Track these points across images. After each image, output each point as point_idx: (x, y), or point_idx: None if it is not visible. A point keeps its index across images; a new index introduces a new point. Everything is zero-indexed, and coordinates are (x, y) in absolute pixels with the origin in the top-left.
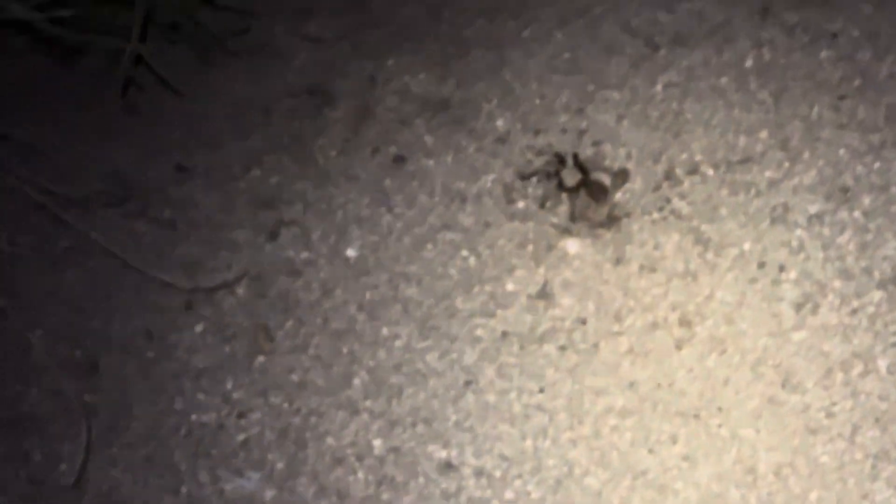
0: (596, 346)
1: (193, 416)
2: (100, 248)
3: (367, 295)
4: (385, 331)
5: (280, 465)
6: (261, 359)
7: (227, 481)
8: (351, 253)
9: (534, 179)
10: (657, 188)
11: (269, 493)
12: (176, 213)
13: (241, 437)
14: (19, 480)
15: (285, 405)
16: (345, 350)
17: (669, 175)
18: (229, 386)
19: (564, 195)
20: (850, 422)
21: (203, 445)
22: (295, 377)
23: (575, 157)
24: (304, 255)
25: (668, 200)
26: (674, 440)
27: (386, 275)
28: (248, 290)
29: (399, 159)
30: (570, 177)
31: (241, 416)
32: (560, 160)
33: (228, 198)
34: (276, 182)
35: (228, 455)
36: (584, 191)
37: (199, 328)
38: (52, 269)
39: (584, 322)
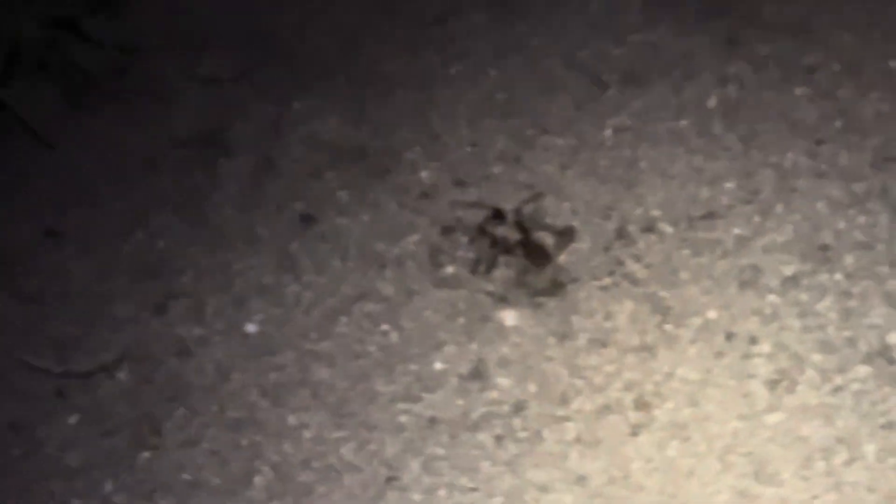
0: (539, 433)
1: None
2: None
3: (271, 377)
4: (292, 419)
5: None
6: (146, 455)
7: None
8: (251, 328)
9: (464, 240)
10: (607, 249)
11: None
12: (45, 285)
13: None
14: None
15: None
16: (244, 443)
17: (622, 233)
18: (109, 487)
19: (500, 258)
20: None
21: None
22: (186, 476)
23: (515, 212)
24: (197, 331)
25: (621, 263)
26: None
27: (293, 353)
28: (130, 373)
29: (307, 218)
30: (508, 235)
31: None
32: (496, 216)
33: (107, 266)
34: (164, 246)
35: None
36: (524, 252)
37: (72, 419)
38: None
39: (524, 406)
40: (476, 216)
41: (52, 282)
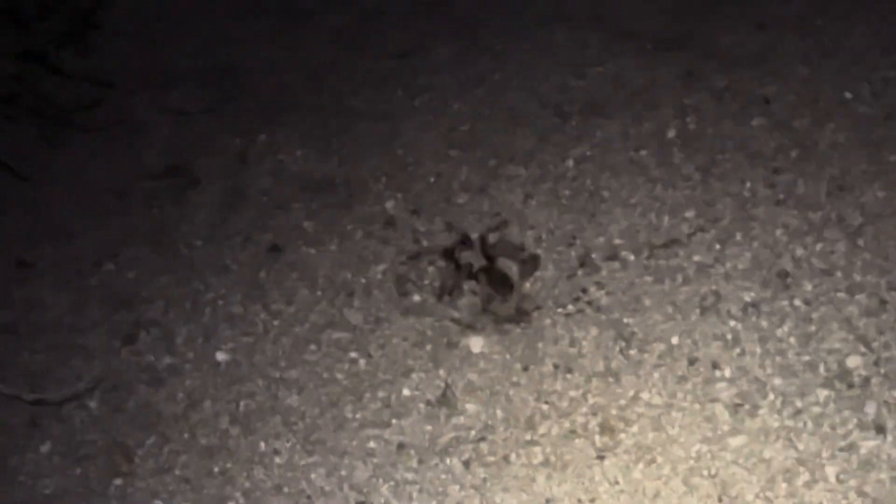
0: (506, 458)
1: None
2: None
3: (242, 405)
4: (263, 446)
5: None
6: (118, 482)
7: None
8: (221, 357)
9: (430, 268)
10: (571, 276)
11: None
12: (18, 316)
13: None
14: None
15: None
16: (216, 469)
17: (585, 261)
18: None
19: (466, 285)
20: None
21: None
22: (159, 502)
23: (480, 240)
24: (167, 360)
25: (585, 290)
26: None
27: (262, 381)
28: (102, 402)
29: (275, 248)
30: (473, 263)
31: None
32: (461, 244)
33: (79, 296)
34: (134, 277)
35: None
36: (489, 280)
37: (45, 448)
38: None
39: (491, 431)
40: (441, 245)
41: (24, 312)
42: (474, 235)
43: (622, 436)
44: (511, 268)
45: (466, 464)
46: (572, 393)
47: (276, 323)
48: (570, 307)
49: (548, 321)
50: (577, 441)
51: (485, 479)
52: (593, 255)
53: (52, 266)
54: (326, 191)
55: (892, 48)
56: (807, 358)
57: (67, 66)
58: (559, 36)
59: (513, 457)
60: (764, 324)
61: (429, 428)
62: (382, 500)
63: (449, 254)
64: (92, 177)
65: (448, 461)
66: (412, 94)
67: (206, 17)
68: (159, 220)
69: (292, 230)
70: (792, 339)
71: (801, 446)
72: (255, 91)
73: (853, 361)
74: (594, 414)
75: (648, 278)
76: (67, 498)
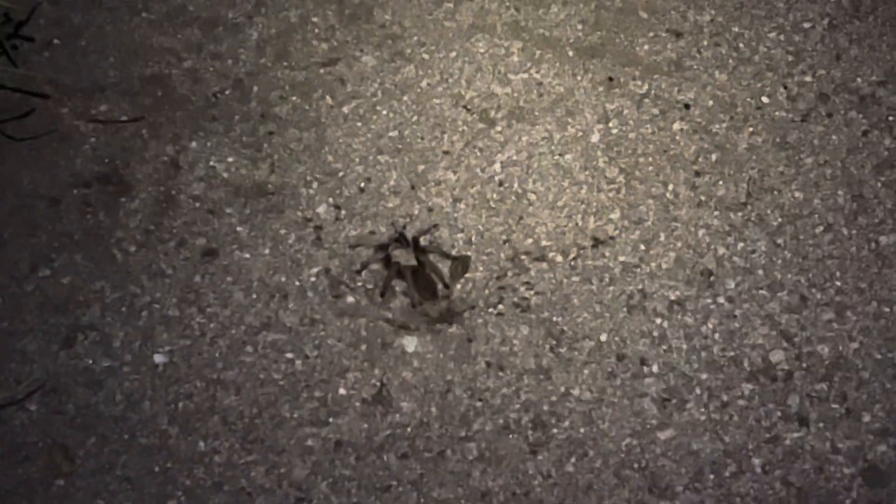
0: (441, 454)
1: None
2: None
3: (180, 406)
4: (202, 445)
5: None
6: (60, 482)
7: None
8: (159, 359)
9: (362, 271)
10: (501, 277)
11: None
12: None
13: None
14: None
15: None
16: (157, 469)
17: (514, 262)
18: None
19: (398, 286)
20: None
21: None
22: (101, 501)
23: (411, 243)
24: (105, 363)
25: (514, 290)
26: None
27: (200, 382)
28: (41, 405)
29: (209, 252)
30: (404, 265)
31: None
32: (392, 246)
33: (14, 302)
34: (69, 282)
35: None
36: (421, 282)
37: None
38: None
39: (427, 428)
40: (372, 247)
41: None
42: (405, 238)
43: (554, 431)
44: (442, 269)
45: (403, 458)
46: (505, 390)
47: (212, 325)
48: (501, 307)
49: (479, 321)
50: (510, 437)
51: (422, 475)
52: (522, 257)
53: None
54: (258, 196)
55: (803, 54)
56: (731, 353)
57: (1, 76)
58: (482, 45)
59: (448, 452)
60: (689, 321)
61: (365, 426)
62: (322, 497)
63: (380, 257)
64: (24, 185)
65: (385, 457)
66: (340, 101)
67: (132, 29)
68: (93, 227)
69: (226, 235)
70: (717, 336)
71: (727, 438)
72: (183, 100)
73: (776, 356)
74: (526, 410)
75: (576, 278)
76: (10, 498)
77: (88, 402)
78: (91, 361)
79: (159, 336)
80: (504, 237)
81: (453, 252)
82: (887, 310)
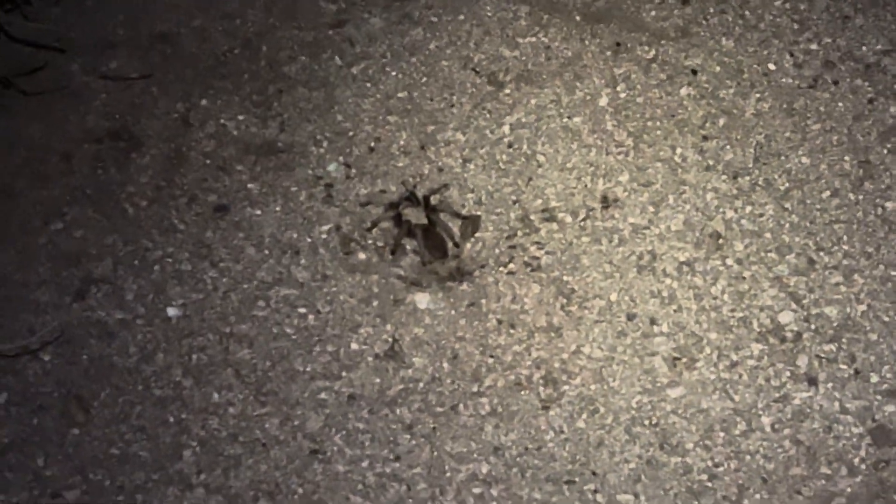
0: (454, 408)
1: (1, 497)
2: None
3: (194, 358)
4: (216, 397)
5: None
6: (75, 431)
7: None
8: (172, 312)
9: (373, 228)
10: (511, 236)
11: None
12: None
13: None
14: None
15: (107, 482)
16: (171, 419)
17: (524, 222)
18: (40, 462)
19: (409, 245)
20: (736, 483)
21: None
22: (115, 450)
23: (422, 201)
24: (118, 315)
25: (525, 250)
26: None
27: (213, 335)
28: (55, 355)
29: (221, 209)
30: (415, 224)
31: (55, 495)
32: (407, 199)
33: (28, 254)
34: (81, 236)
35: None
36: (432, 240)
37: (1, 398)
38: None
39: (439, 383)
40: (383, 206)
41: None
42: (415, 197)
43: (565, 388)
44: (453, 228)
45: (417, 413)
46: (516, 347)
47: (224, 280)
48: (512, 266)
49: (490, 279)
50: (522, 393)
51: (434, 429)
52: (532, 217)
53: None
54: (269, 154)
55: (809, 23)
56: (741, 314)
57: (15, 31)
58: (489, 8)
59: (461, 407)
60: (699, 282)
61: (378, 380)
62: (336, 449)
63: (391, 215)
64: (36, 139)
65: (398, 411)
66: (349, 62)
67: None
68: (104, 182)
69: (237, 192)
70: (726, 297)
71: (737, 398)
72: (192, 58)
73: (785, 317)
74: (538, 367)
75: (586, 238)
76: (25, 447)
77: (102, 353)
78: (104, 314)
79: (172, 290)
80: (514, 198)
81: (463, 212)
82: (895, 273)
